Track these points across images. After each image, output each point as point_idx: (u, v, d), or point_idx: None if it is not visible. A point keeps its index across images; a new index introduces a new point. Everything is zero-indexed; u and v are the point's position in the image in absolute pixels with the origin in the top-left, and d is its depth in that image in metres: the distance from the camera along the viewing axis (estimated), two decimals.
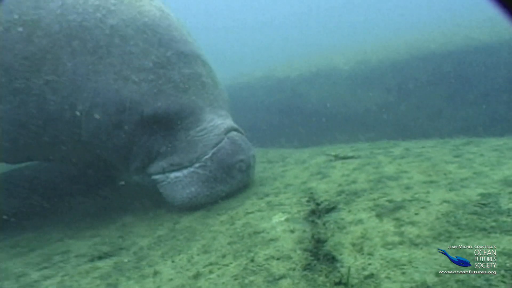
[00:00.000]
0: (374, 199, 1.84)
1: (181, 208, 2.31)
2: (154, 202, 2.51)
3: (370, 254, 1.32)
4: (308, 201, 1.96)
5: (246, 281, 1.24)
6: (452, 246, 1.26)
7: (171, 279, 1.38)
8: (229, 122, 2.49)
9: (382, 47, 7.08)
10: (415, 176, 2.16)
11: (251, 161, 2.46)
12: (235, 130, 2.49)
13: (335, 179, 2.33)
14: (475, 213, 1.49)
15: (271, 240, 1.50)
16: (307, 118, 6.16)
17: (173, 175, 2.33)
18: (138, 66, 2.25)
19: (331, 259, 1.33)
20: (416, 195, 1.81)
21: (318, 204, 1.90)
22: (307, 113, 6.25)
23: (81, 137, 2.31)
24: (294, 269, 1.27)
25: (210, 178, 2.28)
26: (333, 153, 3.24)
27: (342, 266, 1.27)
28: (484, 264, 1.12)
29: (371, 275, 1.17)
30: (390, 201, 1.78)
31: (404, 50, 6.55)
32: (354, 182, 2.21)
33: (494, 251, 1.17)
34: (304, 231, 1.57)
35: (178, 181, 2.31)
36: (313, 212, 1.82)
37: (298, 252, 1.37)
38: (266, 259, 1.36)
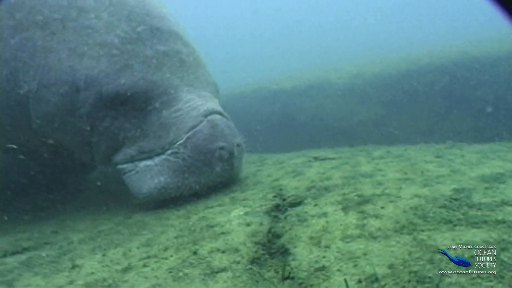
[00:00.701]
0: (343, 194, 1.73)
1: (147, 202, 2.04)
2: (119, 196, 2.36)
3: (327, 247, 1.20)
4: (274, 196, 1.85)
5: (181, 274, 1.12)
6: (414, 239, 1.14)
7: (91, 273, 1.24)
8: (211, 104, 2.15)
9: (378, 61, 7.10)
10: (391, 173, 2.06)
11: (235, 150, 2.09)
12: (218, 113, 2.14)
13: (309, 177, 2.22)
14: (444, 206, 1.38)
15: (223, 233, 1.38)
16: (301, 129, 6.10)
17: (143, 163, 2.02)
18: (100, 41, 2.01)
19: (284, 253, 1.21)
20: (387, 191, 1.70)
21: (284, 199, 1.78)
22: (301, 125, 6.19)
23: (32, 124, 2.08)
24: (238, 263, 1.15)
25: (182, 167, 1.96)
26: (314, 155, 3.15)
27: (294, 260, 1.15)
28: (442, 256, 1.01)
29: (322, 268, 1.05)
30: (359, 195, 1.67)
31: (399, 64, 6.56)
32: (328, 179, 2.10)
33: (455, 244, 1.06)
34: (261, 224, 1.46)
35: (148, 171, 2.00)
36: (277, 206, 1.71)
37: (249, 245, 1.26)
38: (210, 252, 1.24)
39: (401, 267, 0.98)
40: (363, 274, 0.98)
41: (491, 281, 0.87)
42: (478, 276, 0.88)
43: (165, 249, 1.34)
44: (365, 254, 1.10)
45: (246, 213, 1.59)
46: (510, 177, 1.62)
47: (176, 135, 2.00)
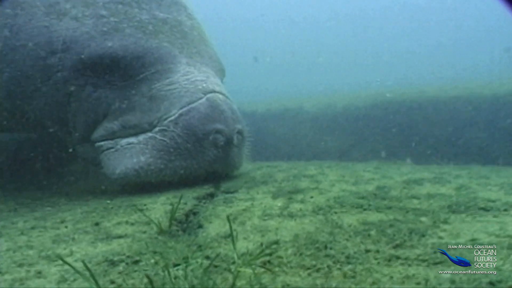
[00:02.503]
0: (279, 186, 1.79)
1: (121, 184, 1.77)
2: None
3: (242, 223, 1.22)
4: (210, 187, 1.85)
5: (67, 238, 1.09)
6: (326, 218, 1.21)
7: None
8: (213, 81, 1.87)
9: (350, 94, 7.56)
10: (330, 176, 2.16)
11: (235, 136, 1.82)
12: (220, 93, 1.86)
13: (253, 176, 2.26)
14: (362, 198, 1.48)
15: (141, 210, 1.36)
16: (272, 153, 6.19)
17: (125, 141, 1.75)
18: (86, 0, 1.78)
19: (197, 227, 1.21)
20: (321, 186, 1.79)
21: (219, 189, 1.80)
22: (272, 149, 6.30)
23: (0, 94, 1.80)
24: (144, 232, 1.14)
25: (169, 147, 1.69)
26: (268, 164, 3.22)
27: (204, 232, 1.15)
28: (342, 228, 1.08)
29: (228, 236, 1.07)
30: (293, 188, 1.73)
31: (367, 98, 7.03)
32: (270, 177, 2.16)
33: (357, 222, 1.14)
34: (185, 204, 1.45)
35: (129, 149, 1.72)
36: (210, 194, 1.71)
37: (163, 220, 1.24)
38: (116, 224, 1.22)
39: (303, 236, 1.02)
40: (267, 241, 1.01)
41: (373, 244, 0.94)
42: (361, 242, 0.95)
43: (62, 221, 1.30)
44: (277, 229, 1.13)
45: (175, 197, 1.58)
46: (429, 181, 1.78)
47: (168, 110, 1.74)
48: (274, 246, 0.94)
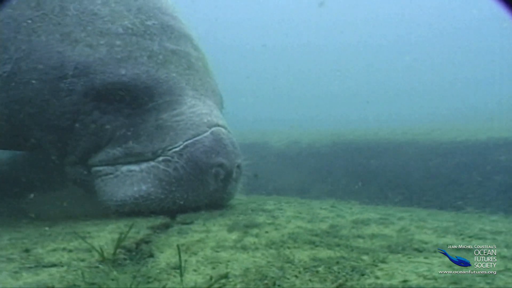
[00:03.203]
0: (235, 220, 1.78)
1: (118, 211, 1.73)
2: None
3: (194, 253, 1.19)
4: (165, 217, 1.79)
5: None
6: (278, 253, 1.23)
7: None
8: (217, 115, 1.94)
9: (316, 131, 7.97)
10: (288, 212, 2.21)
11: (234, 171, 1.89)
12: (223, 127, 1.93)
13: (207, 209, 2.23)
14: (315, 235, 1.53)
15: (83, 237, 1.26)
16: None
17: (126, 168, 1.76)
18: (101, 29, 1.83)
19: (147, 256, 1.16)
20: (277, 221, 1.82)
21: (174, 219, 1.74)
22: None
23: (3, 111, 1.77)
24: (83, 260, 1.05)
25: (171, 178, 1.71)
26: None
27: (153, 261, 1.10)
28: (293, 264, 1.11)
29: (177, 267, 1.03)
30: (250, 222, 1.74)
31: (330, 136, 7.48)
32: (228, 209, 2.15)
33: (307, 257, 1.18)
34: (137, 233, 1.38)
35: (129, 176, 1.73)
36: (165, 224, 1.65)
37: (107, 247, 1.16)
38: (51, 251, 1.12)
39: (253, 270, 1.03)
40: (217, 273, 1.00)
41: (320, 283, 0.97)
42: (309, 280, 0.99)
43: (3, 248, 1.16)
44: (228, 261, 1.13)
45: (126, 225, 1.50)
46: (374, 222, 1.91)
47: (173, 141, 1.77)
48: (223, 280, 0.93)
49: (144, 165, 1.77)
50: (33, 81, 1.76)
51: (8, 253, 1.11)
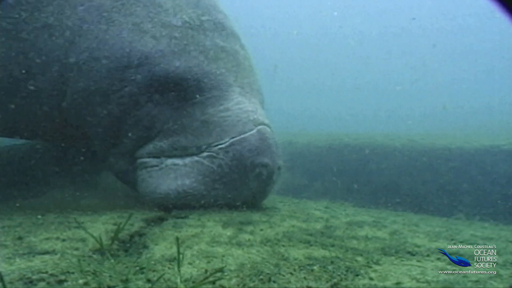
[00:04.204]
0: (230, 216, 1.78)
1: (158, 205, 1.72)
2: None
3: (189, 247, 1.19)
4: (160, 211, 1.78)
5: None
6: (273, 250, 1.23)
7: None
8: (262, 114, 1.94)
9: (313, 133, 7.98)
10: (283, 211, 2.22)
11: (275, 172, 1.87)
12: (268, 126, 1.92)
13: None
14: (309, 234, 1.54)
15: (77, 227, 1.25)
16: None
17: (170, 161, 1.76)
18: (165, 21, 1.88)
19: (141, 248, 1.15)
20: (272, 220, 1.82)
21: (169, 213, 1.74)
22: None
23: (63, 102, 1.79)
24: (76, 249, 1.04)
25: (215, 175, 1.72)
26: None
27: (148, 253, 1.10)
28: (288, 261, 1.11)
29: (173, 259, 1.03)
30: (245, 219, 1.74)
31: (325, 139, 7.51)
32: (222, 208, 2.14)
33: (302, 255, 1.18)
34: (132, 225, 1.37)
35: (174, 170, 1.73)
36: (160, 218, 1.64)
37: (102, 238, 1.15)
38: (45, 239, 1.10)
39: (249, 266, 1.03)
40: (212, 267, 0.99)
41: (315, 281, 0.98)
42: (304, 277, 0.99)
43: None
44: (223, 256, 1.12)
45: (120, 217, 1.48)
46: (368, 224, 1.92)
47: (219, 137, 1.77)
48: (218, 274, 0.93)
49: (188, 160, 1.76)
50: (102, 70, 1.78)
51: (1, 240, 1.10)
